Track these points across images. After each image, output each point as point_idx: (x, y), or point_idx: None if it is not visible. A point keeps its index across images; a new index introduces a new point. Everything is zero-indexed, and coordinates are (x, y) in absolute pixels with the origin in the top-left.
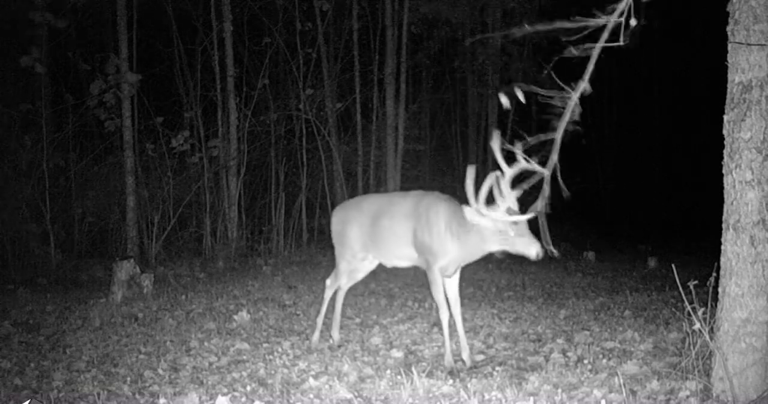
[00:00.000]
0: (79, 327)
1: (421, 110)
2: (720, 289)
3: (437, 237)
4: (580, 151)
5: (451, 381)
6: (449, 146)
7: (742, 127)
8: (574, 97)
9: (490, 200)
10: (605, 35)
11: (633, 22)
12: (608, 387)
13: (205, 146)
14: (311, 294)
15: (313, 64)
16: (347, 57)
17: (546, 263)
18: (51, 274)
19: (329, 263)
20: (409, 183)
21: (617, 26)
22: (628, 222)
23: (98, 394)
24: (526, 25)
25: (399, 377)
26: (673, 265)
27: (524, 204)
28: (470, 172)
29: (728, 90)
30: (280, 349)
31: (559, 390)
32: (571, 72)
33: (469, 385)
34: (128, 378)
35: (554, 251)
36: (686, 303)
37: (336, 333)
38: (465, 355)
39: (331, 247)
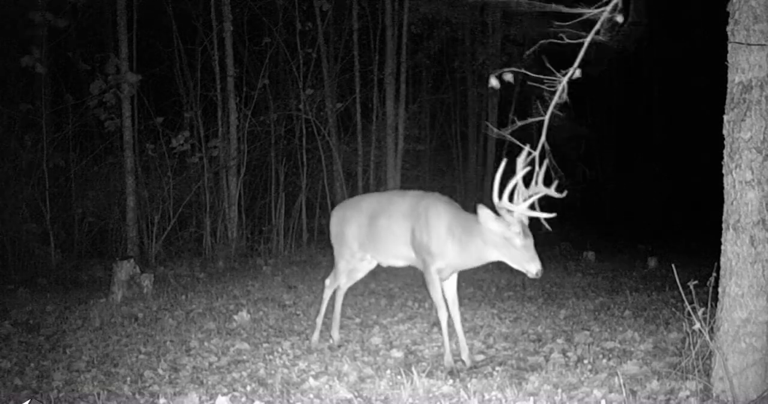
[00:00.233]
0: (79, 327)
1: (421, 110)
2: (720, 289)
3: (437, 238)
4: (580, 151)
5: (451, 381)
6: (449, 146)
7: (742, 127)
8: (564, 80)
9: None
10: (598, 25)
11: (619, 18)
12: (608, 387)
13: (205, 146)
14: (311, 294)
15: (313, 64)
16: (347, 57)
17: (546, 263)
18: (51, 274)
19: (329, 263)
20: (409, 183)
21: (608, 22)
22: (628, 222)
23: (98, 394)
24: (522, 3)
25: (399, 377)
26: (673, 265)
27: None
28: (500, 168)
29: (728, 90)
30: (280, 349)
31: (559, 390)
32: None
33: (469, 385)
34: (128, 378)
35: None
36: (686, 303)
37: (336, 333)
38: (464, 355)
39: (331, 247)
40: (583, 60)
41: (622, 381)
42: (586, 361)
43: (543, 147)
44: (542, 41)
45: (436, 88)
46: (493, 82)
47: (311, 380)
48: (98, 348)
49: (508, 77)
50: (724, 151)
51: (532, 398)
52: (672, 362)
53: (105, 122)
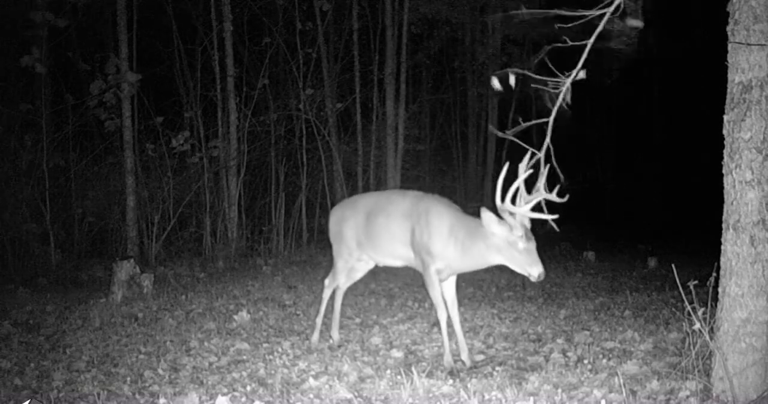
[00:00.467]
0: (79, 327)
1: (421, 110)
2: (720, 289)
3: (438, 239)
4: (581, 151)
5: (451, 381)
6: (449, 146)
7: (742, 127)
8: (567, 82)
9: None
10: (601, 26)
11: (638, 23)
12: (608, 387)
13: (205, 146)
14: (311, 294)
15: (313, 64)
16: (347, 57)
17: (546, 263)
18: (51, 274)
19: (329, 263)
20: (409, 183)
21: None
22: (628, 222)
23: (98, 394)
24: (523, 9)
25: (399, 377)
26: (673, 265)
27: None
28: (503, 171)
29: (728, 90)
30: (280, 349)
31: (559, 390)
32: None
33: (469, 385)
34: (128, 378)
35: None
36: (686, 303)
37: (335, 333)
38: (464, 356)
39: (331, 247)
40: (588, 62)
41: (622, 381)
42: (586, 361)
43: (548, 148)
44: (547, 46)
45: (436, 88)
46: (495, 83)
47: (311, 380)
48: (98, 348)
49: (511, 80)
50: (724, 151)
51: (532, 398)
52: (672, 362)
53: (105, 122)
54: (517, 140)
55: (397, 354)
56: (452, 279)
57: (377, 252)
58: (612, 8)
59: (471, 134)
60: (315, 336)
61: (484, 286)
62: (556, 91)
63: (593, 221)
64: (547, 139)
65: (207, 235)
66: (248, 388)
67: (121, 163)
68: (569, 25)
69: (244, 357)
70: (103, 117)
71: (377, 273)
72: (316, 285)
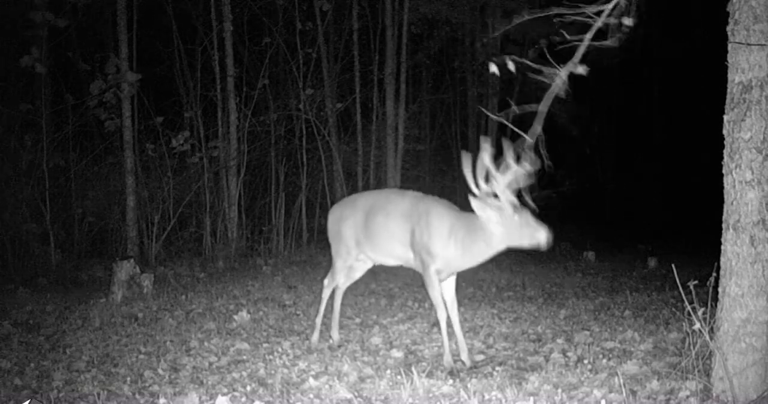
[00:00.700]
0: (79, 327)
1: (421, 110)
2: (720, 289)
3: (438, 239)
4: (580, 151)
5: (451, 381)
6: (449, 146)
7: (742, 127)
8: (562, 73)
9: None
10: (599, 22)
11: (629, 22)
12: (608, 387)
13: (205, 146)
14: (311, 294)
15: (313, 64)
16: (347, 57)
17: (546, 263)
18: (51, 274)
19: (329, 263)
20: (409, 183)
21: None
22: (628, 222)
23: (98, 394)
24: (524, 15)
25: (399, 377)
26: (673, 265)
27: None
28: (466, 159)
29: (728, 90)
30: (280, 349)
31: (559, 390)
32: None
33: (469, 385)
34: (128, 378)
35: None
36: (686, 303)
37: (335, 333)
38: (464, 356)
39: (330, 247)
40: (585, 56)
41: (622, 381)
42: (586, 361)
43: (538, 137)
44: (543, 40)
45: (436, 88)
46: (493, 68)
47: (311, 380)
48: (98, 348)
49: (510, 66)
50: (724, 151)
51: (532, 398)
52: (672, 362)
53: (105, 122)
54: (513, 127)
55: (397, 354)
56: (452, 279)
57: (375, 251)
58: (611, 5)
59: (471, 134)
60: (315, 336)
61: (484, 286)
62: (549, 81)
63: (593, 221)
64: (538, 127)
65: (207, 235)
66: (248, 388)
67: (121, 163)
68: (568, 20)
69: (244, 357)
70: (103, 117)
71: (377, 273)
72: (316, 285)
